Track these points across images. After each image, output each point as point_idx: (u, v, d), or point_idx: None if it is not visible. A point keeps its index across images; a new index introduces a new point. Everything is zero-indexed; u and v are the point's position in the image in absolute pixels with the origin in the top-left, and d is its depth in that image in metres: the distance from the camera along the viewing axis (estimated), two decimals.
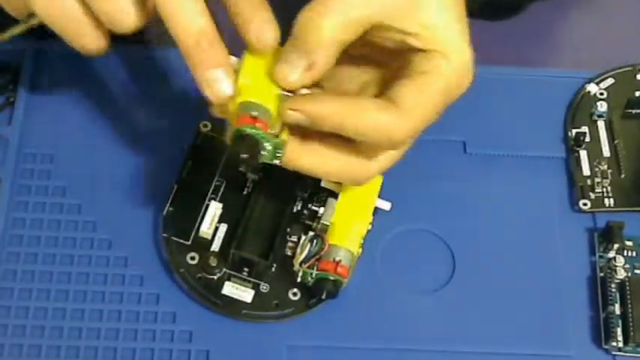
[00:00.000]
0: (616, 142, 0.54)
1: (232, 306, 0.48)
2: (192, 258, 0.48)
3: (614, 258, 0.50)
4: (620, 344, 0.48)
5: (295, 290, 0.48)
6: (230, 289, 0.48)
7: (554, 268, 0.50)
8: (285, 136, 0.42)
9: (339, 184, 0.48)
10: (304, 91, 0.42)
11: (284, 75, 0.41)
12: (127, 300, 0.48)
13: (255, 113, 0.41)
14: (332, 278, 0.46)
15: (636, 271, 0.50)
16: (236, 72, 0.42)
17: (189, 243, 0.49)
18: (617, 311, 0.49)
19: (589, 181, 0.53)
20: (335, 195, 0.48)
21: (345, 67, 0.44)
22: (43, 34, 0.44)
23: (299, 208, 0.50)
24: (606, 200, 0.52)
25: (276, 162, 0.42)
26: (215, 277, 0.48)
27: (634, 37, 0.60)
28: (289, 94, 0.41)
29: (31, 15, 0.43)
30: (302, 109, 0.41)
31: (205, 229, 0.49)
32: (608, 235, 0.51)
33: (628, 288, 0.49)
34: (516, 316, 0.49)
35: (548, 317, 0.49)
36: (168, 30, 0.41)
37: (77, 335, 0.47)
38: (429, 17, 0.42)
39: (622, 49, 0.59)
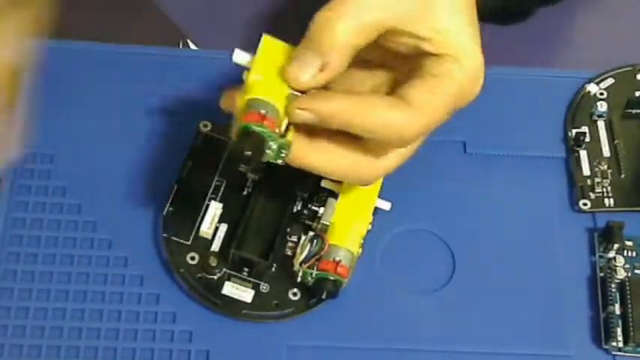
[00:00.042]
0: (616, 142, 0.54)
1: (232, 306, 0.48)
2: (192, 258, 0.48)
3: (614, 258, 0.50)
4: (620, 344, 0.48)
5: (295, 290, 0.48)
6: (230, 289, 0.48)
7: (554, 268, 0.50)
8: (290, 136, 0.42)
9: (339, 184, 0.48)
10: (313, 92, 0.42)
11: (296, 75, 0.41)
12: (127, 300, 0.48)
13: (263, 111, 0.40)
14: (332, 278, 0.46)
15: (636, 271, 0.50)
16: (247, 66, 0.41)
17: (189, 243, 0.49)
18: (617, 311, 0.49)
19: (589, 181, 0.53)
20: (335, 195, 0.48)
21: (356, 70, 0.45)
22: None
23: (299, 208, 0.50)
24: (606, 200, 0.52)
25: (279, 162, 0.42)
26: (215, 277, 0.48)
27: (634, 37, 0.61)
28: (299, 94, 0.41)
29: None
30: (311, 107, 0.41)
31: (205, 229, 0.49)
32: (608, 235, 0.51)
33: (628, 288, 0.49)
34: (516, 316, 0.49)
35: (548, 317, 0.49)
36: None
37: (77, 335, 0.47)
38: (442, 22, 0.42)
39: (622, 49, 0.59)
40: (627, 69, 0.56)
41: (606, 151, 0.54)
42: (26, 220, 0.50)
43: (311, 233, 0.48)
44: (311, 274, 0.47)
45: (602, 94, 0.55)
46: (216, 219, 0.49)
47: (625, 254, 0.50)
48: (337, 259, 0.46)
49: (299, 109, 0.41)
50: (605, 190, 0.52)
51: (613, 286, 0.49)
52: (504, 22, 0.63)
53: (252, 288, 0.48)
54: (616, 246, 0.50)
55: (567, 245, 0.51)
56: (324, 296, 0.47)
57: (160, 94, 0.54)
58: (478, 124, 0.54)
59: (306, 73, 0.41)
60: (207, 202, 0.49)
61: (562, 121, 0.55)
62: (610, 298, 0.49)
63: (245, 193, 0.50)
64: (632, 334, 0.48)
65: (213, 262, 0.48)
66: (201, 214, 0.49)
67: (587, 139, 0.54)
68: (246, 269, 0.48)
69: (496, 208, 0.52)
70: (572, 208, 0.52)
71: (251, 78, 0.41)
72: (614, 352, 0.48)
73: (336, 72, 0.41)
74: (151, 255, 0.49)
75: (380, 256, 0.50)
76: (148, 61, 0.55)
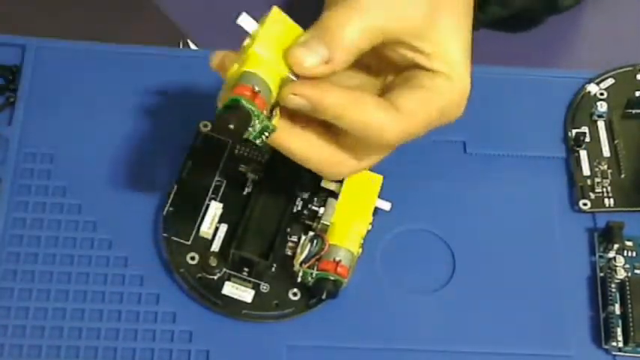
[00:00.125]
0: (616, 142, 0.54)
1: (232, 306, 0.48)
2: (192, 258, 0.48)
3: (614, 258, 0.50)
4: (620, 344, 0.48)
5: (295, 290, 0.48)
6: (230, 289, 0.48)
7: (554, 268, 0.50)
8: (276, 121, 0.42)
9: (339, 184, 0.48)
10: (310, 80, 0.41)
11: (301, 59, 0.41)
12: (127, 300, 0.48)
13: (257, 88, 0.40)
14: (332, 278, 0.46)
15: (636, 271, 0.50)
16: (251, 37, 0.41)
17: (189, 243, 0.49)
18: (617, 311, 0.49)
19: (589, 181, 0.53)
20: (335, 195, 0.48)
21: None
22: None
23: (299, 208, 0.50)
24: (606, 200, 0.52)
25: (257, 142, 0.41)
26: (215, 277, 0.48)
27: (634, 37, 0.61)
28: (295, 78, 0.41)
29: None
30: (306, 94, 0.41)
31: (205, 229, 0.49)
32: (608, 235, 0.51)
33: (628, 288, 0.49)
34: (516, 316, 0.49)
35: (548, 317, 0.49)
36: None
37: (77, 335, 0.47)
38: (445, 40, 0.43)
39: (622, 49, 0.59)
40: (627, 69, 0.56)
41: (606, 151, 0.54)
42: (26, 220, 0.50)
43: (311, 233, 0.48)
44: (311, 274, 0.47)
45: (602, 94, 0.55)
46: (217, 219, 0.49)
47: (625, 254, 0.50)
48: (337, 259, 0.46)
49: (294, 94, 0.41)
50: (605, 190, 0.52)
51: (613, 286, 0.49)
52: (516, 29, 0.63)
53: (253, 288, 0.48)
54: (616, 246, 0.50)
55: (567, 245, 0.51)
56: (324, 296, 0.47)
57: (160, 94, 0.54)
58: (478, 124, 0.54)
59: (311, 58, 0.41)
60: (207, 202, 0.49)
61: (562, 121, 0.55)
62: (610, 298, 0.49)
63: (245, 193, 0.50)
64: (632, 334, 0.48)
65: (213, 262, 0.47)
66: (202, 214, 0.49)
67: (587, 139, 0.54)
68: (246, 269, 0.48)
69: (496, 208, 0.52)
70: (572, 208, 0.52)
71: (254, 50, 0.40)
72: (614, 352, 0.48)
73: (338, 69, 0.41)
74: (151, 255, 0.49)
75: (380, 256, 0.50)
76: (148, 61, 0.55)
